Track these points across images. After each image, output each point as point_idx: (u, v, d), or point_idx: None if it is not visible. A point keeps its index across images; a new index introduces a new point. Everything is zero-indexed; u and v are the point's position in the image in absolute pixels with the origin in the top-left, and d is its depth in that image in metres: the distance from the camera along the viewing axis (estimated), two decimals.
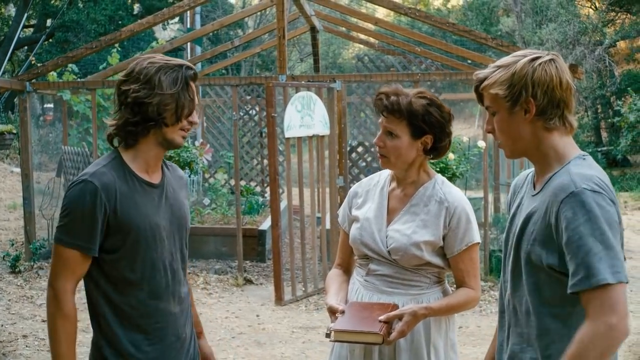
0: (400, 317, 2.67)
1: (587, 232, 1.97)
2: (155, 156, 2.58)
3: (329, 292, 2.97)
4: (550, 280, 2.11)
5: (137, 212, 2.48)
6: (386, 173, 3.04)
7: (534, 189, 2.22)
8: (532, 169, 2.30)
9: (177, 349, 2.63)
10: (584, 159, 2.15)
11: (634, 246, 10.66)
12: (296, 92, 7.81)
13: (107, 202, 2.42)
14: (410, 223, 2.86)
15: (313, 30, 12.36)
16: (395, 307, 2.75)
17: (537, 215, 2.13)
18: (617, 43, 24.70)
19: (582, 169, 2.09)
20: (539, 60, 2.14)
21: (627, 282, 1.97)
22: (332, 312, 2.78)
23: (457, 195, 2.89)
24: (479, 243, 2.87)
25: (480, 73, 2.24)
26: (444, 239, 2.84)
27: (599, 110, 24.36)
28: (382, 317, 2.64)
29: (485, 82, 2.20)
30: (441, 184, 2.92)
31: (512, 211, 2.32)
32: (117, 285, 2.50)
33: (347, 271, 3.13)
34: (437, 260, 2.86)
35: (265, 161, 12.74)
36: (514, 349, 2.23)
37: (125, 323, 2.51)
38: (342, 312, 2.73)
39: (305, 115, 7.75)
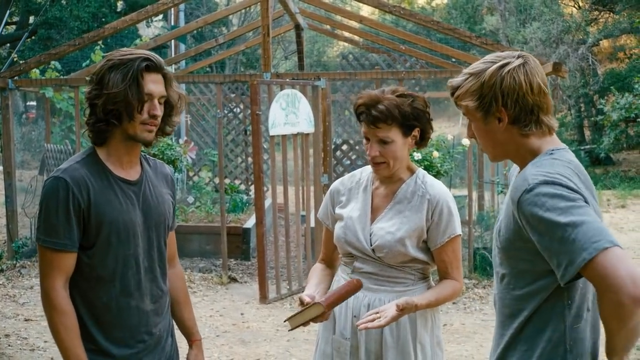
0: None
1: (551, 222, 1.91)
2: (127, 152, 2.56)
3: (308, 284, 3.01)
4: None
5: (111, 208, 2.48)
6: (368, 171, 3.04)
7: None
8: None
9: (150, 347, 2.63)
10: (552, 153, 2.11)
11: None
12: (281, 90, 7.79)
13: (79, 197, 2.42)
14: (394, 220, 2.88)
15: (298, 28, 12.34)
16: (359, 282, 2.77)
17: (507, 218, 2.13)
18: (600, 42, 24.84)
19: (540, 167, 2.04)
20: (508, 68, 2.09)
21: (614, 245, 1.82)
22: (300, 301, 2.79)
23: (438, 188, 2.91)
24: (460, 235, 2.89)
25: (453, 81, 2.20)
26: (427, 231, 2.86)
27: (582, 109, 24.49)
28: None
29: (458, 92, 2.17)
30: (422, 177, 2.94)
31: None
32: (89, 282, 2.50)
33: (330, 265, 3.16)
34: (421, 255, 2.87)
35: (250, 159, 12.71)
36: (500, 351, 2.22)
37: (97, 319, 2.52)
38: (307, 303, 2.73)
39: (290, 113, 7.73)
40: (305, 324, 2.71)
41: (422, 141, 2.91)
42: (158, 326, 2.66)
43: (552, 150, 2.13)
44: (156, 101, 2.50)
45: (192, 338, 2.91)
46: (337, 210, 3.02)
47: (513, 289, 2.14)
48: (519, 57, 2.13)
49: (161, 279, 2.67)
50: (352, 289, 2.76)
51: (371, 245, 2.87)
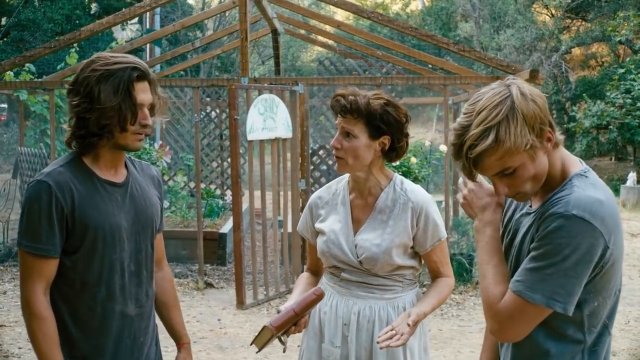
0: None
1: (551, 252, 1.94)
2: (113, 158, 2.52)
3: (292, 294, 2.99)
4: None
5: (96, 212, 2.43)
6: (343, 182, 3.00)
7: (531, 206, 2.16)
8: None
9: (133, 353, 2.58)
10: (586, 176, 2.08)
11: None
12: (259, 95, 7.76)
13: (62, 201, 2.37)
14: (379, 231, 2.85)
15: (274, 32, 12.32)
16: (321, 294, 2.68)
17: (532, 234, 2.08)
18: (573, 50, 25.15)
19: (586, 191, 2.00)
20: (522, 92, 1.99)
21: (562, 312, 1.96)
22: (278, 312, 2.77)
23: (419, 194, 2.88)
24: (446, 237, 2.90)
25: (478, 148, 1.96)
26: (413, 238, 2.85)
27: (554, 116, 24.73)
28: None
29: (504, 147, 1.95)
30: (400, 184, 2.90)
31: (505, 219, 2.26)
32: (73, 287, 2.45)
33: (315, 273, 3.15)
34: (409, 262, 2.87)
35: (225, 164, 12.66)
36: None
37: (81, 325, 2.47)
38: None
39: (267, 118, 7.71)
40: (275, 340, 2.66)
41: (392, 152, 2.84)
42: (142, 332, 2.61)
43: (585, 171, 2.10)
44: (146, 110, 2.45)
45: (180, 341, 2.86)
46: (317, 225, 2.99)
47: None
48: (509, 84, 2.02)
49: (147, 283, 2.62)
50: (312, 302, 2.65)
51: (358, 258, 2.84)
